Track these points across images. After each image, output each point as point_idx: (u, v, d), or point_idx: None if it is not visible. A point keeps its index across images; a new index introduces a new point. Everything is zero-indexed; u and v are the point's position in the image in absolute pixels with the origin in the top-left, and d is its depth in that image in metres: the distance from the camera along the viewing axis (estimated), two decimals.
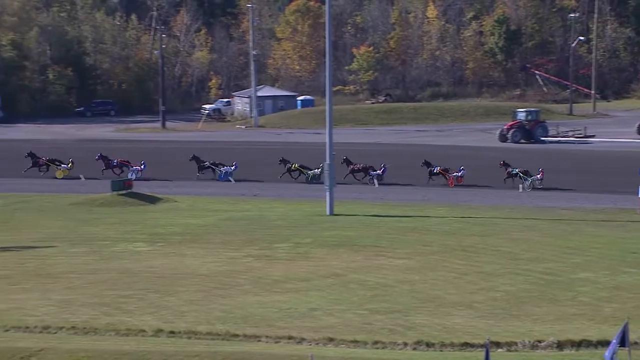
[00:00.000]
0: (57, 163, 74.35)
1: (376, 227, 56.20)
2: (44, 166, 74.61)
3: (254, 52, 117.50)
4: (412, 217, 59.25)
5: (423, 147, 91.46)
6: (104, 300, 40.65)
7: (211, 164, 74.47)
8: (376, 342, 34.78)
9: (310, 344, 34.64)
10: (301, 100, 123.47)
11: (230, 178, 72.88)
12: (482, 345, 32.20)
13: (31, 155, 74.60)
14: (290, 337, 35.39)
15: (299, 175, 73.56)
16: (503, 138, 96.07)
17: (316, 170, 71.70)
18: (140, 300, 40.77)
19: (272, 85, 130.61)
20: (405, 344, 34.53)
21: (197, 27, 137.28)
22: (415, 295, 41.41)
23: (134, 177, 71.53)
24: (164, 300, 40.75)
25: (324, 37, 68.70)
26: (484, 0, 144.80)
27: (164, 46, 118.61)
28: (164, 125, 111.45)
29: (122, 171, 74.42)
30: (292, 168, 73.73)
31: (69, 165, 74.11)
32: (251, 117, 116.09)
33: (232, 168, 73.91)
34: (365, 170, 72.78)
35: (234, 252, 50.18)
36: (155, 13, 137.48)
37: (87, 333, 36.18)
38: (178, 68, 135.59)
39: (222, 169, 74.00)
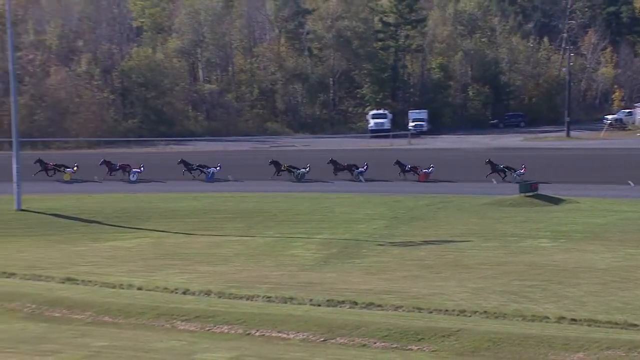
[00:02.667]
0: (63, 168, 75.09)
1: None
2: (52, 170, 75.21)
3: None
4: None
5: None
6: (511, 289, 40.55)
7: (198, 166, 75.13)
8: None
9: None
10: None
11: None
12: None
13: (40, 161, 75.03)
14: None
15: (290, 174, 74.00)
16: None
17: (302, 170, 73.84)
18: (544, 290, 40.29)
19: None
20: None
21: (603, 46, 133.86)
22: None
23: (135, 178, 74.08)
24: (565, 291, 40.01)
25: None
26: None
27: (571, 64, 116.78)
28: (568, 134, 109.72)
29: (124, 173, 75.03)
30: (283, 168, 74.14)
31: (74, 169, 74.94)
32: None
33: (217, 169, 74.22)
34: (349, 168, 74.26)
35: (632, 249, 48.45)
36: (565, 35, 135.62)
37: (497, 317, 36.17)
38: (584, 83, 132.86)
39: (208, 170, 74.62)
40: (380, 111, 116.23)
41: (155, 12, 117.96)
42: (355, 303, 38.85)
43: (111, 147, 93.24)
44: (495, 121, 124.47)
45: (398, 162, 74.22)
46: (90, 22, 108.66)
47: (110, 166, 75.26)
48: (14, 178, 62.70)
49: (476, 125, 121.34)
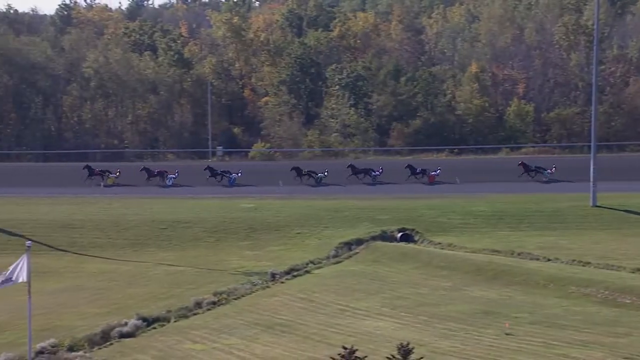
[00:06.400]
0: (107, 173, 74.49)
1: None
2: (98, 175, 74.36)
3: None
4: None
5: None
6: None
7: (222, 171, 74.11)
8: None
9: None
10: None
11: None
12: None
13: (87, 167, 75.25)
14: None
15: (309, 178, 72.72)
16: None
17: (320, 174, 72.88)
18: None
19: None
20: None
21: None
22: None
23: (170, 182, 72.99)
24: None
25: None
26: None
27: None
28: None
29: (161, 178, 73.81)
30: (303, 173, 72.60)
31: (116, 174, 73.85)
32: None
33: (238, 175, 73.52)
34: (366, 171, 73.20)
35: None
36: None
37: None
38: None
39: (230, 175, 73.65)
40: None
41: None
42: None
43: None
44: None
45: (409, 166, 72.99)
46: None
47: (149, 172, 74.47)
48: (591, 178, 62.86)
49: None
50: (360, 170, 74.22)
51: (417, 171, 73.61)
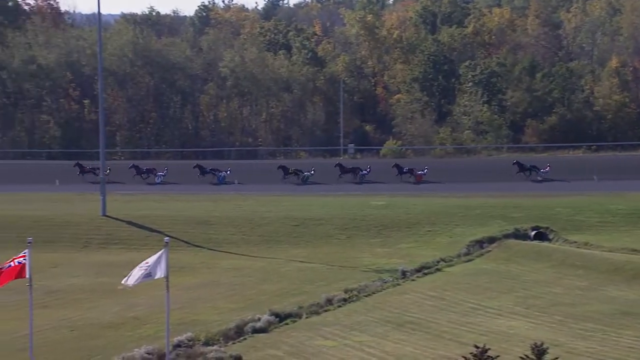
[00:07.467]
0: (98, 170, 71.90)
1: None
2: (89, 173, 75.26)
3: None
4: None
5: None
6: None
7: (211, 169, 74.90)
8: None
9: None
10: None
11: None
12: None
13: (78, 165, 76.36)
14: None
15: (295, 177, 72.71)
16: None
17: (307, 173, 72.45)
18: None
19: None
20: None
21: None
22: None
23: (159, 180, 74.07)
24: None
25: None
26: None
27: None
28: None
29: (149, 176, 74.87)
30: (290, 171, 72.41)
31: (107, 172, 69.11)
32: None
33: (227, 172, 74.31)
34: (354, 170, 72.60)
35: None
36: None
37: None
38: None
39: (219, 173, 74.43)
40: None
41: None
42: None
43: None
44: None
45: (396, 165, 72.84)
46: None
47: (137, 169, 75.02)
48: None
49: None
50: (348, 170, 73.96)
51: (404, 170, 72.95)
